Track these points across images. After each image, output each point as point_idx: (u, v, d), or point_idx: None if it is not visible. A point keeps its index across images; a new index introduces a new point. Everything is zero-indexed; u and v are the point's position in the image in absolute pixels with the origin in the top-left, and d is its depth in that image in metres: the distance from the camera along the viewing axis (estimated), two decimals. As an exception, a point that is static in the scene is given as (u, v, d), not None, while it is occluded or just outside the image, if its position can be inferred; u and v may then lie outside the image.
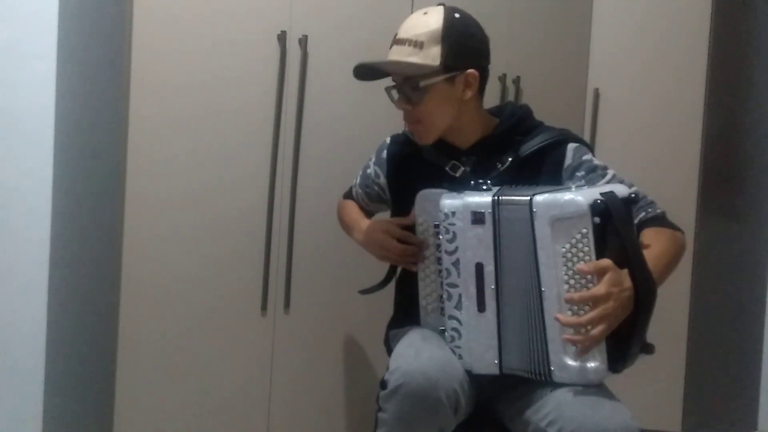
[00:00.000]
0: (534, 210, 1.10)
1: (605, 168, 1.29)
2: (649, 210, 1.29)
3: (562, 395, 1.10)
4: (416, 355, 1.12)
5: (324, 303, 1.86)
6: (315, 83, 1.82)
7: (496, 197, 1.16)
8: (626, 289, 1.08)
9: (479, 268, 1.17)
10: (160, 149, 1.77)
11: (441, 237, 1.20)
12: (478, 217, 1.16)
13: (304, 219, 1.84)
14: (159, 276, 1.78)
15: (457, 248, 1.19)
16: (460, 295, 1.19)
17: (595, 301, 1.05)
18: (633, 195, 1.18)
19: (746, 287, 2.06)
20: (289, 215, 1.83)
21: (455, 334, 1.20)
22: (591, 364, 1.10)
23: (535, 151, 1.28)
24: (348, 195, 1.61)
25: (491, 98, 1.89)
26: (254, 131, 1.81)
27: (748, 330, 2.02)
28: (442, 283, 1.24)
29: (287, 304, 1.84)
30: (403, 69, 1.28)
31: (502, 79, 1.91)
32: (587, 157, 1.29)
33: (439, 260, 1.24)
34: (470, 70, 1.27)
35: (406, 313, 1.39)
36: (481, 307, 1.17)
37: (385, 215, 1.52)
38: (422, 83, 1.26)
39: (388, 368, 1.16)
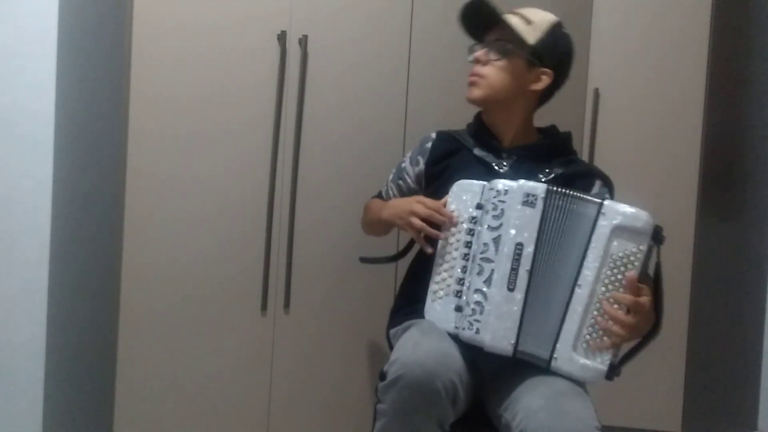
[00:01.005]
0: (602, 212, 1.17)
1: None
2: None
3: (531, 403, 1.14)
4: (414, 348, 1.14)
5: (324, 303, 1.86)
6: (315, 83, 1.83)
7: (551, 186, 1.22)
8: (651, 313, 1.18)
9: (519, 247, 1.20)
10: (159, 150, 1.77)
11: (488, 213, 1.23)
12: (530, 200, 1.21)
13: (304, 219, 1.84)
14: (159, 276, 1.78)
15: (501, 225, 1.22)
16: (492, 271, 1.21)
17: (635, 309, 1.15)
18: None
19: (746, 287, 2.06)
20: (289, 215, 1.83)
21: (477, 308, 1.21)
22: (594, 365, 1.16)
23: (575, 174, 1.37)
24: (376, 197, 1.63)
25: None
26: (254, 131, 1.81)
27: (748, 330, 2.02)
28: (465, 267, 1.25)
29: (287, 304, 1.84)
30: (506, 25, 1.35)
31: (502, 79, 1.90)
32: (608, 196, 1.38)
33: (467, 244, 1.26)
34: (548, 70, 1.37)
35: (407, 309, 1.40)
36: (511, 286, 1.20)
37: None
38: (509, 46, 1.35)
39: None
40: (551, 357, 1.18)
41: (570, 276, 1.18)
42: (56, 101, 1.46)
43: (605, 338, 1.16)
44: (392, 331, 1.43)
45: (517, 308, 1.19)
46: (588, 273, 1.16)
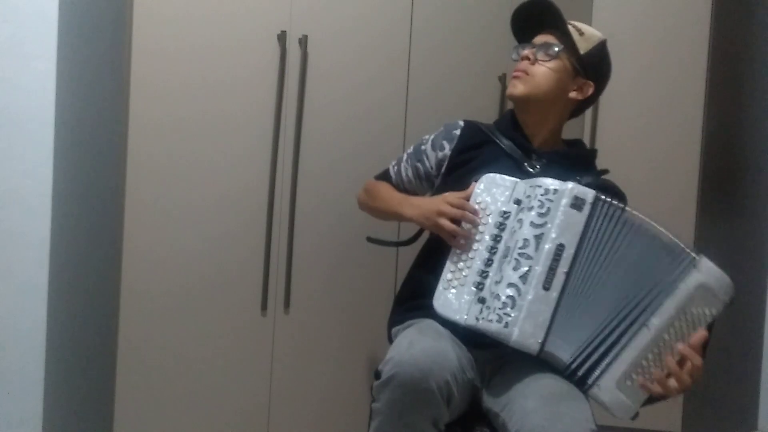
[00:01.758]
0: (695, 266, 1.17)
1: None
2: None
3: (528, 404, 1.14)
4: (409, 347, 1.13)
5: (324, 303, 1.86)
6: (315, 83, 1.83)
7: (600, 194, 1.22)
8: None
9: (560, 248, 1.20)
10: (159, 149, 1.77)
11: (531, 210, 1.23)
12: (577, 203, 1.21)
13: (304, 219, 1.84)
14: (159, 276, 1.78)
15: (545, 223, 1.21)
16: (530, 267, 1.21)
17: (694, 371, 1.14)
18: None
19: (746, 287, 2.06)
20: (289, 215, 1.83)
21: (509, 302, 1.20)
22: (630, 404, 1.16)
23: (601, 188, 1.32)
24: (381, 177, 1.57)
25: (490, 97, 1.90)
26: (254, 131, 1.81)
27: (748, 330, 2.02)
28: (490, 260, 1.25)
29: (287, 304, 1.84)
30: (564, 27, 1.38)
31: (502, 78, 1.91)
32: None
33: (495, 238, 1.26)
34: (591, 82, 1.40)
35: (412, 303, 1.39)
36: (547, 285, 1.20)
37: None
38: (558, 49, 1.37)
39: None
40: (591, 382, 1.17)
41: (638, 308, 1.17)
42: (56, 99, 1.46)
43: (651, 385, 1.14)
44: (394, 330, 1.42)
45: (549, 308, 1.19)
46: (661, 318, 1.16)
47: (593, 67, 1.39)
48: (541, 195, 1.23)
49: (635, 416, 1.17)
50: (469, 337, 1.25)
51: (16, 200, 1.45)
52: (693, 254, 1.18)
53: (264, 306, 1.84)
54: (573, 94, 1.40)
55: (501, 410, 1.20)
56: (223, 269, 1.81)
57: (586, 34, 1.39)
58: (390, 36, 1.85)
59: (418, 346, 1.13)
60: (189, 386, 1.81)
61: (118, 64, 1.76)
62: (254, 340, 1.84)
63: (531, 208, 1.23)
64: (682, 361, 1.13)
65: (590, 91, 1.40)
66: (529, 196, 1.24)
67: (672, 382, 1.13)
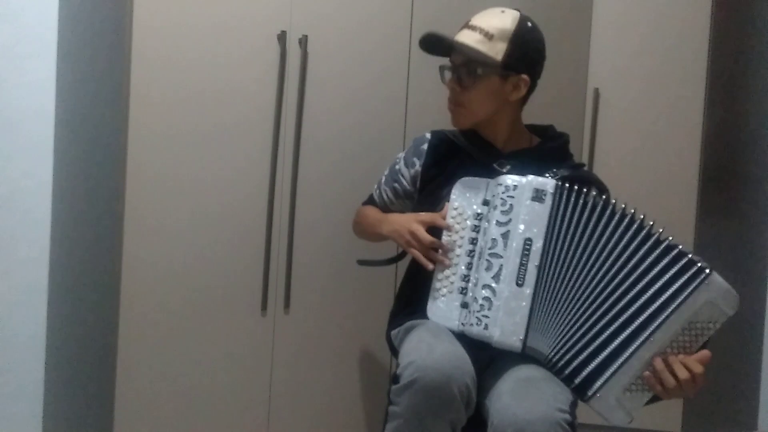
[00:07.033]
0: (706, 282, 1.14)
1: None
2: None
3: (502, 386, 1.17)
4: (429, 351, 1.14)
5: (324, 303, 1.86)
6: (315, 83, 1.83)
7: (565, 184, 1.21)
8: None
9: (528, 243, 1.20)
10: (159, 149, 1.77)
11: (495, 208, 1.24)
12: (538, 195, 1.22)
13: (304, 219, 1.84)
14: (159, 276, 1.78)
15: (510, 220, 1.22)
16: (501, 266, 1.22)
17: (693, 377, 1.14)
18: None
19: (746, 287, 2.06)
20: (289, 215, 1.83)
21: (486, 304, 1.21)
22: (626, 414, 1.16)
23: (576, 179, 1.31)
24: (368, 202, 1.61)
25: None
26: (254, 131, 1.81)
27: (748, 330, 2.02)
28: (470, 264, 1.26)
29: (287, 304, 1.84)
30: (467, 51, 1.33)
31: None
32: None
33: (472, 241, 1.27)
34: (524, 76, 1.34)
35: (408, 309, 1.40)
36: (520, 281, 1.20)
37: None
38: (479, 70, 1.33)
39: (398, 364, 1.18)
40: (590, 391, 1.16)
41: (613, 288, 1.16)
42: (56, 101, 1.46)
43: (648, 393, 1.14)
44: (393, 332, 1.43)
45: (525, 303, 1.19)
46: (667, 333, 1.14)
47: (519, 62, 1.33)
48: (503, 193, 1.24)
49: (630, 421, 1.17)
50: (462, 337, 1.26)
51: (16, 200, 1.46)
52: (706, 271, 1.14)
53: (264, 306, 1.84)
54: (512, 97, 1.36)
55: (485, 399, 1.21)
56: (223, 269, 1.81)
57: (496, 33, 1.31)
58: (391, 36, 1.85)
59: (438, 350, 1.14)
60: (189, 386, 1.81)
61: (118, 63, 1.76)
62: (254, 340, 1.84)
63: (495, 207, 1.24)
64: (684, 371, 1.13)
65: (525, 85, 1.35)
66: (494, 195, 1.26)
67: (671, 388, 1.12)
